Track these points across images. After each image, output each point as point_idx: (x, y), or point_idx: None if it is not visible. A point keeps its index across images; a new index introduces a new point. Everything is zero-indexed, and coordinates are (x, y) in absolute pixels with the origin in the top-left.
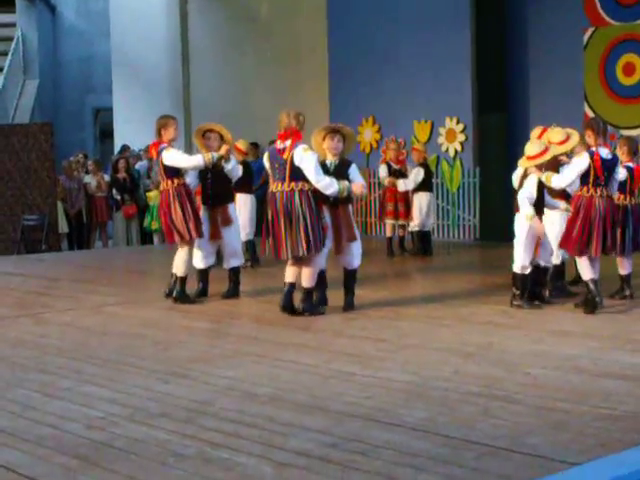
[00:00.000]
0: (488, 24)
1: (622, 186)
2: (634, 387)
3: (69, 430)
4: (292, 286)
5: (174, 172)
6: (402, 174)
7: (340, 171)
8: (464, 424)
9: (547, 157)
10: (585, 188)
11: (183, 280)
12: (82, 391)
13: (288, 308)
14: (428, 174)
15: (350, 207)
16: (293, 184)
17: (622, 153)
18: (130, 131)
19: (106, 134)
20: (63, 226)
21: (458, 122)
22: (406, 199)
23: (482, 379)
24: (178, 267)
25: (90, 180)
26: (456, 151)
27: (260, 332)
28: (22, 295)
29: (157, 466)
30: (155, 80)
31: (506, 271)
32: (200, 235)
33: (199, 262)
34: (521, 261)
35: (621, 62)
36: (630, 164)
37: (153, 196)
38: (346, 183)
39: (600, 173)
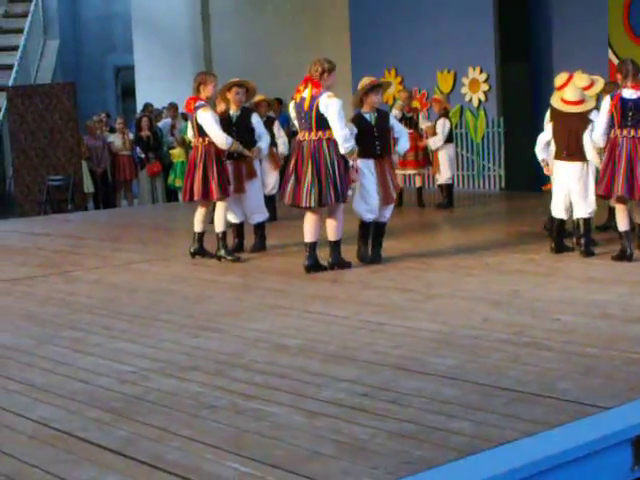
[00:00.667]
0: None
1: None
2: None
3: (101, 385)
4: (314, 245)
5: (205, 131)
6: (413, 122)
7: (381, 123)
8: (494, 371)
9: (597, 88)
10: (612, 131)
11: (223, 235)
12: (112, 347)
13: (313, 268)
14: (450, 125)
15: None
16: (320, 133)
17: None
18: (152, 89)
19: (128, 93)
20: (89, 186)
21: (481, 72)
22: (425, 148)
23: (511, 326)
24: (215, 224)
25: (114, 139)
26: (480, 101)
27: (288, 285)
28: (50, 254)
29: (190, 418)
30: (176, 38)
31: (533, 220)
32: (221, 196)
33: (233, 217)
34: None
35: None
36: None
37: (177, 154)
38: (356, 148)
39: (620, 114)
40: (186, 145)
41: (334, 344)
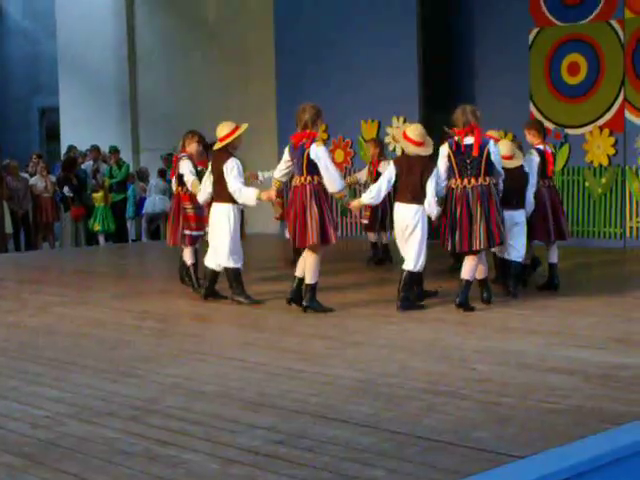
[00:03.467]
0: (435, 24)
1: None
2: (578, 381)
3: (14, 429)
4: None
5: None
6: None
7: None
8: (410, 419)
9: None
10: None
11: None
12: (28, 391)
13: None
14: None
15: None
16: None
17: (531, 136)
18: (76, 132)
19: (53, 134)
20: (9, 227)
21: (405, 121)
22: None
23: (428, 375)
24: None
25: (36, 181)
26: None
27: (207, 330)
28: None
29: (104, 464)
30: (102, 80)
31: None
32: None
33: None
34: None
35: (566, 62)
36: (540, 147)
37: (99, 197)
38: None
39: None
40: (106, 189)
41: (251, 391)
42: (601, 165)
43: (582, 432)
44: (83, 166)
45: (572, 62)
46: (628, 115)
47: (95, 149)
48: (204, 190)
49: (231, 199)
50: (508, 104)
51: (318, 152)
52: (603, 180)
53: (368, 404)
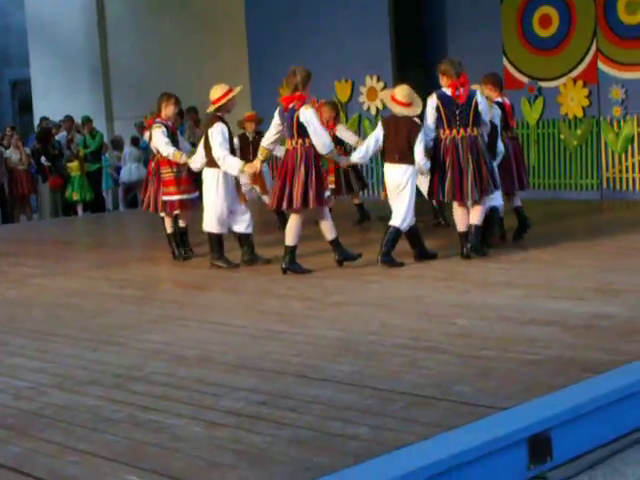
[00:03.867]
0: None
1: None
2: (558, 332)
3: None
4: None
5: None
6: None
7: None
8: (391, 376)
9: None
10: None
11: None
12: (9, 363)
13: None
14: None
15: None
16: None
17: (489, 90)
18: (49, 103)
19: (25, 106)
20: None
21: (378, 80)
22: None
23: (408, 331)
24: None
25: (11, 154)
26: (377, 109)
27: (187, 296)
28: None
29: (87, 432)
30: (72, 50)
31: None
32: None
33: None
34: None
35: (537, 14)
36: (499, 99)
37: (74, 167)
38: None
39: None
40: (81, 158)
41: (233, 354)
42: (576, 117)
43: (563, 382)
44: (57, 137)
45: (543, 14)
46: (601, 66)
47: (68, 119)
48: (199, 156)
49: (214, 164)
50: (481, 58)
51: (307, 115)
52: (578, 132)
53: (349, 362)
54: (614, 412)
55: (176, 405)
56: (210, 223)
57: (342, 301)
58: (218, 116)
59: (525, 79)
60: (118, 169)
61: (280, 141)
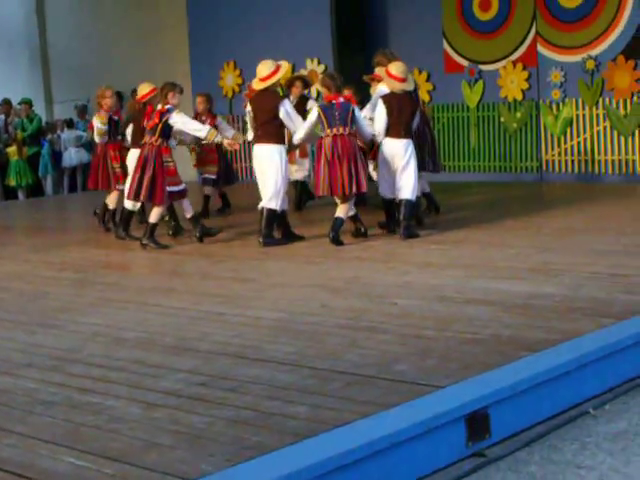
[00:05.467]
0: None
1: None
2: (496, 311)
3: None
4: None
5: None
6: None
7: None
8: (331, 356)
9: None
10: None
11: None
12: None
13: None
14: None
15: None
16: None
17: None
18: None
19: None
20: None
21: (319, 63)
22: None
23: (349, 312)
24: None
25: None
26: (318, 93)
27: (126, 279)
28: None
29: (24, 415)
30: (10, 34)
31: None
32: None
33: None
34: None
35: None
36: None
37: (12, 152)
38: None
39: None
40: (19, 142)
41: (172, 335)
42: (515, 100)
43: (501, 360)
44: None
45: None
46: (541, 49)
47: (6, 103)
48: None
49: (278, 139)
50: (422, 41)
51: (357, 110)
52: (518, 115)
53: (289, 343)
54: (551, 390)
55: (114, 387)
56: (272, 200)
57: (283, 282)
58: (277, 92)
59: (465, 62)
60: (56, 154)
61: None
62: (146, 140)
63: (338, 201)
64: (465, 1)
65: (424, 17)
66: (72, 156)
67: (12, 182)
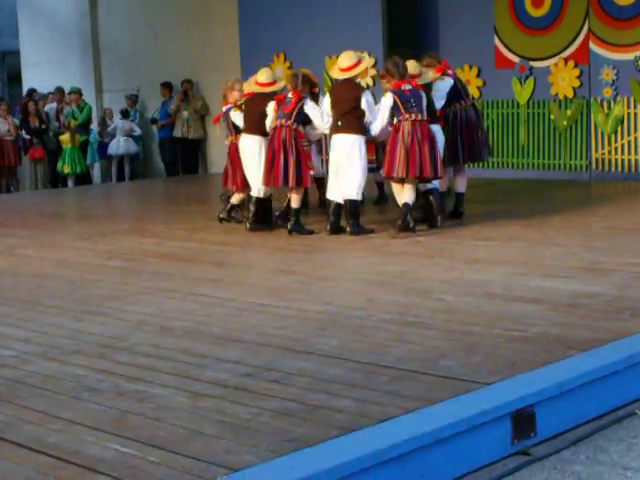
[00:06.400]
0: None
1: None
2: (544, 310)
3: None
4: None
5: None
6: None
7: None
8: (377, 350)
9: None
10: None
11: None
12: None
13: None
14: None
15: None
16: None
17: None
18: (38, 74)
19: (14, 78)
20: None
21: (369, 56)
22: None
23: (395, 306)
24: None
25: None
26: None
27: (174, 268)
28: None
29: (71, 401)
30: (62, 22)
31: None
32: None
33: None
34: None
35: None
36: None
37: (65, 139)
38: None
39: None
40: (72, 130)
41: (218, 326)
42: (566, 97)
43: (548, 359)
44: (46, 108)
45: None
46: (593, 47)
47: (59, 91)
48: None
49: (359, 130)
50: (473, 37)
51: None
52: (568, 112)
53: (335, 336)
54: (598, 389)
55: (160, 375)
56: (357, 191)
57: (329, 276)
58: (358, 83)
59: (516, 59)
60: (103, 143)
61: None
62: (281, 123)
63: (397, 188)
64: None
65: (476, 12)
66: (120, 144)
67: (67, 169)
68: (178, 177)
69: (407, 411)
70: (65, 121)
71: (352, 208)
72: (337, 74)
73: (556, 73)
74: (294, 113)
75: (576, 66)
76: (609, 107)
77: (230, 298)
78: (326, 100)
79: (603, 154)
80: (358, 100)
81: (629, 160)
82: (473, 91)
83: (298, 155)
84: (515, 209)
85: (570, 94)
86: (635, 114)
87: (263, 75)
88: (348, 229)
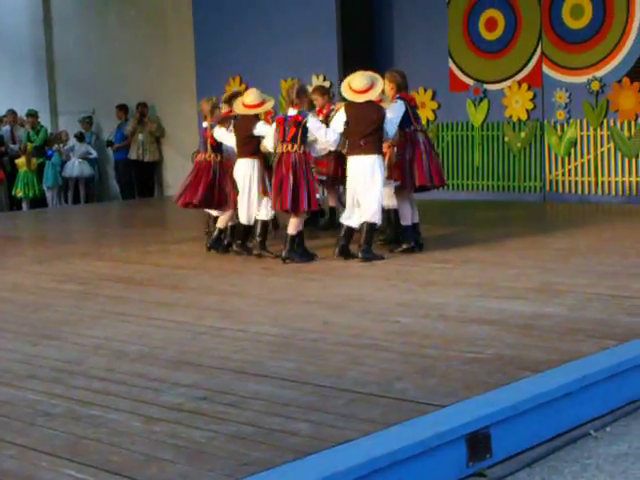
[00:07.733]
0: None
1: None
2: (499, 331)
3: None
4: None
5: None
6: None
7: None
8: (333, 373)
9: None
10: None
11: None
12: None
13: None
14: None
15: None
16: None
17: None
18: None
19: None
20: None
21: (325, 79)
22: None
23: (351, 329)
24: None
25: None
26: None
27: (128, 292)
28: None
29: (25, 426)
30: (16, 44)
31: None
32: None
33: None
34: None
35: (483, 17)
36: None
37: (21, 163)
38: None
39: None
40: (29, 153)
41: (174, 350)
42: (520, 120)
43: (503, 380)
44: (0, 132)
45: (489, 17)
46: (546, 69)
47: (12, 114)
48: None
49: (379, 150)
50: (428, 60)
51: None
52: (522, 135)
53: (291, 359)
54: (553, 410)
55: (116, 400)
56: (377, 214)
57: (285, 298)
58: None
59: (471, 81)
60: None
61: None
62: (287, 149)
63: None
64: (471, 20)
65: (430, 35)
66: (75, 167)
67: (20, 193)
68: (134, 200)
69: (363, 434)
70: (21, 144)
71: (370, 232)
72: (353, 96)
73: (510, 96)
74: (298, 136)
75: (529, 89)
76: (562, 129)
77: (185, 321)
78: (339, 117)
79: (557, 176)
80: (382, 121)
81: (582, 182)
82: (428, 114)
83: (308, 179)
84: (470, 231)
85: (524, 116)
86: (588, 136)
87: (250, 97)
88: (360, 255)
